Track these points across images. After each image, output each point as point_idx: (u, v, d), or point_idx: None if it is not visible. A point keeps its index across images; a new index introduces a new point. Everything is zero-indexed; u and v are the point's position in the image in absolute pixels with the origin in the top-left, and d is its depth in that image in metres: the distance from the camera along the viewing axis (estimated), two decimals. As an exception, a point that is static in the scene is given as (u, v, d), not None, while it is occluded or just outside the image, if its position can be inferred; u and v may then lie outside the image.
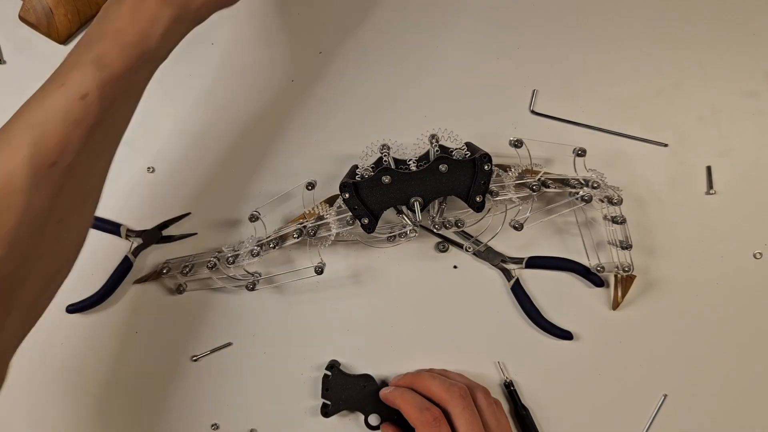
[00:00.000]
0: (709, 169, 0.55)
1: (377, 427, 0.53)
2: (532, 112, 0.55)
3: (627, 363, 0.55)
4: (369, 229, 0.49)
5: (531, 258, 0.55)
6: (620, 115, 0.55)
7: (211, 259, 0.52)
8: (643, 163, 0.55)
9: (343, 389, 0.53)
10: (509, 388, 0.55)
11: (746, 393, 0.55)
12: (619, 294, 0.54)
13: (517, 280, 0.55)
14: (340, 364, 0.54)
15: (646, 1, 0.56)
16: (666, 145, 0.55)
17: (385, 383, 0.54)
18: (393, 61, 0.56)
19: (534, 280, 0.55)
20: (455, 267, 0.56)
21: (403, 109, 0.56)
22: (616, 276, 0.55)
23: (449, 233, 0.55)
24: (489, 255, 0.55)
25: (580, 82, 0.56)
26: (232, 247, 0.53)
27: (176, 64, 0.54)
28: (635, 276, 0.54)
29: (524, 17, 0.56)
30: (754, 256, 0.55)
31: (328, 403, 0.53)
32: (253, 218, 0.51)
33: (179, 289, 0.54)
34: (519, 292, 0.55)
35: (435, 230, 0.51)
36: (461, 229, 0.52)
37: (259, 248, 0.51)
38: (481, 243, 0.54)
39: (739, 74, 0.55)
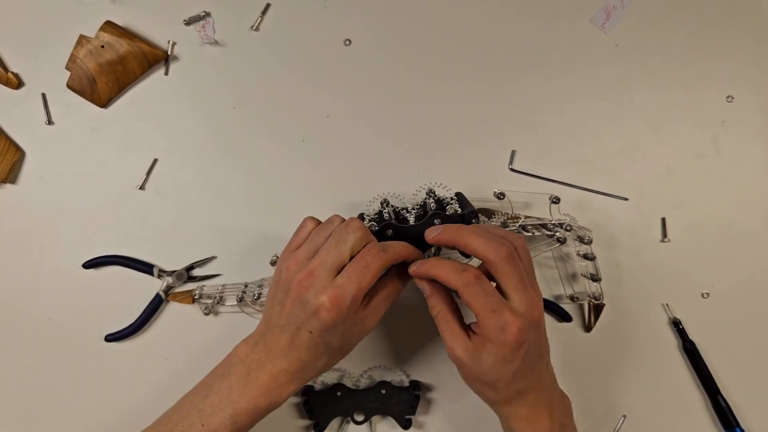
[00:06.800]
0: (663, 220, 0.64)
1: (363, 421, 0.62)
2: (511, 169, 0.64)
3: (593, 385, 0.64)
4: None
5: (509, 296, 0.63)
6: (587, 172, 0.64)
7: (240, 293, 0.61)
8: (606, 214, 0.64)
9: (324, 405, 0.62)
10: (677, 326, 0.63)
11: (697, 413, 0.64)
12: (592, 319, 0.63)
13: (497, 315, 0.63)
14: (313, 387, 0.63)
15: (610, 73, 0.64)
16: (626, 199, 0.64)
17: (356, 389, 0.62)
18: (391, 122, 0.64)
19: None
20: (444, 303, 0.64)
21: (398, 166, 0.64)
22: (588, 304, 0.63)
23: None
24: (473, 293, 0.63)
25: (552, 143, 0.64)
26: (257, 284, 0.61)
27: (200, 125, 0.63)
28: (604, 304, 0.62)
29: (505, 85, 0.64)
30: (702, 296, 0.64)
31: (318, 421, 0.62)
32: (273, 263, 0.59)
33: (207, 312, 0.62)
34: (499, 325, 0.63)
35: None
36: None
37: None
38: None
39: (690, 138, 0.64)
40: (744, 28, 0.64)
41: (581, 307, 0.64)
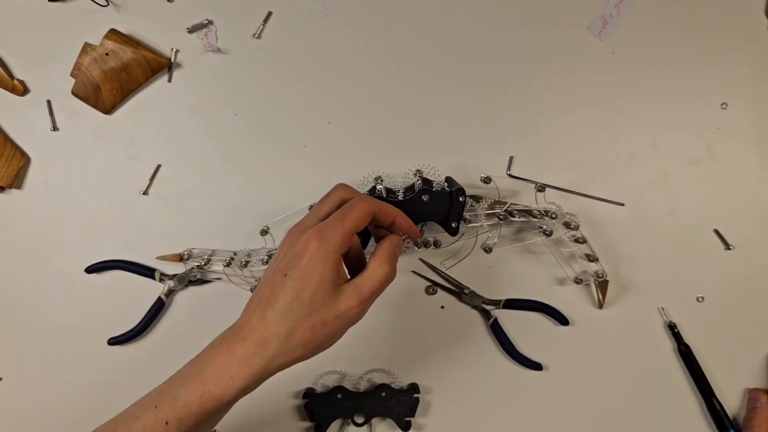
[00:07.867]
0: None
1: (363, 423, 0.63)
2: (509, 175, 0.65)
3: (590, 387, 0.65)
4: (363, 245, 0.57)
5: (507, 300, 0.64)
6: (584, 178, 0.65)
7: (227, 259, 0.62)
8: (603, 219, 0.65)
9: (324, 407, 0.63)
10: (673, 330, 0.64)
11: (692, 416, 0.65)
12: (601, 296, 0.64)
13: (495, 319, 0.64)
14: (314, 390, 0.64)
15: (607, 80, 0.65)
16: (623, 205, 0.65)
17: (356, 391, 0.63)
18: (391, 128, 0.65)
19: (510, 318, 0.65)
20: (442, 307, 0.65)
21: (399, 171, 0.64)
22: (594, 282, 0.64)
23: (439, 279, 0.64)
24: (471, 297, 0.64)
25: (549, 149, 0.65)
26: (246, 253, 0.62)
27: (203, 131, 0.64)
28: (608, 281, 0.63)
29: (503, 92, 0.65)
30: (697, 299, 0.65)
31: (318, 423, 0.63)
32: (264, 232, 0.61)
33: (190, 276, 0.63)
34: (497, 329, 0.64)
35: (417, 248, 0.62)
36: (444, 260, 0.62)
37: (267, 257, 0.60)
38: (468, 289, 0.64)
39: (685, 145, 0.65)
40: (738, 35, 0.65)
41: (588, 287, 0.65)
